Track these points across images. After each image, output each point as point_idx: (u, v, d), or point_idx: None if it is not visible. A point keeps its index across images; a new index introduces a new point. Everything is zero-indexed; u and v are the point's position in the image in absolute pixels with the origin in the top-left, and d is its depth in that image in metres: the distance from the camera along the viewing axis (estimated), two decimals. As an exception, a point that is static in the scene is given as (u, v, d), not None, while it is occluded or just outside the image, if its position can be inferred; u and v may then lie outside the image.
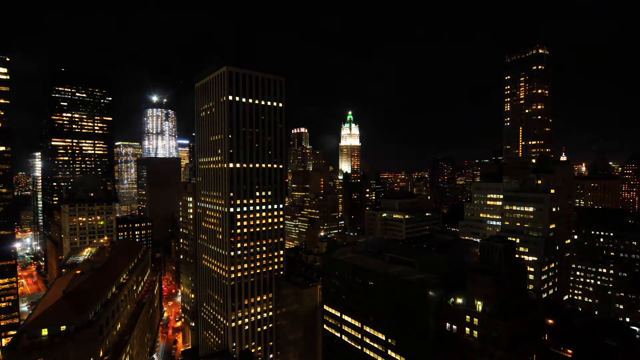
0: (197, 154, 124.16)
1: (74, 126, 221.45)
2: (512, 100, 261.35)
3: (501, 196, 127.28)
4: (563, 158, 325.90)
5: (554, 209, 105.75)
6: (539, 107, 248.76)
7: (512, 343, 52.61)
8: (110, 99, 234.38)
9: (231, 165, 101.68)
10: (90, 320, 60.75)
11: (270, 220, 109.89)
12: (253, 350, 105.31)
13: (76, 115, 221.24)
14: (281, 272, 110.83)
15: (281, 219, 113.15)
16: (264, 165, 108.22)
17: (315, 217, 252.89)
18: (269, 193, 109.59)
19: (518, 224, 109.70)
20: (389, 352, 68.08)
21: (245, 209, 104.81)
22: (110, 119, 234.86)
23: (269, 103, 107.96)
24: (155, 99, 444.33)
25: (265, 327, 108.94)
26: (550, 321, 70.10)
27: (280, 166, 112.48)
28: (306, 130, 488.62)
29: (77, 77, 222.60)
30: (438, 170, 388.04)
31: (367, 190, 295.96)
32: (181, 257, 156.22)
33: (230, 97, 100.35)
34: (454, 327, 58.99)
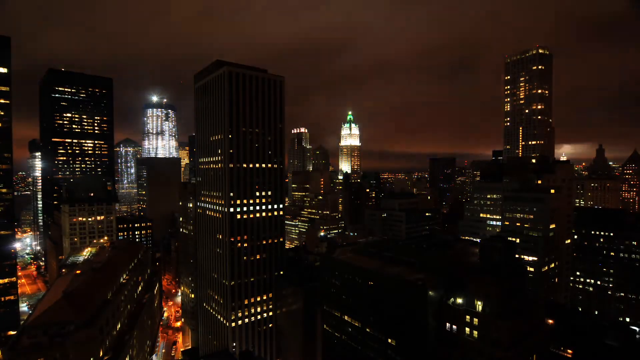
0: (197, 154, 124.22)
1: (74, 126, 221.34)
2: (512, 100, 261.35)
3: (501, 196, 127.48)
4: (563, 158, 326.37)
5: (553, 209, 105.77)
6: (539, 107, 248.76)
7: (512, 343, 52.59)
8: (110, 99, 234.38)
9: (231, 165, 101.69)
10: (90, 320, 60.72)
11: (270, 220, 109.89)
12: (252, 350, 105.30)
13: (76, 115, 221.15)
14: (281, 272, 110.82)
15: (281, 219, 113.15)
16: (264, 165, 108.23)
17: (315, 217, 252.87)
18: (269, 193, 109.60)
19: (518, 224, 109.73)
20: (389, 352, 68.08)
21: (245, 209, 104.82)
22: (111, 119, 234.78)
23: (268, 103, 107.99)
24: (155, 99, 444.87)
25: (265, 327, 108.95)
26: (550, 321, 70.09)
27: (281, 166, 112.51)
28: (306, 130, 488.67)
29: (77, 78, 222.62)
30: (438, 170, 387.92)
31: (367, 190, 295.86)
32: (181, 257, 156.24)
33: (231, 97, 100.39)
34: (454, 327, 58.98)
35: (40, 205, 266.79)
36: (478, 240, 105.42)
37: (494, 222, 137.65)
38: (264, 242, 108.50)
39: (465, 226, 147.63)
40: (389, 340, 68.08)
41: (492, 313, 54.36)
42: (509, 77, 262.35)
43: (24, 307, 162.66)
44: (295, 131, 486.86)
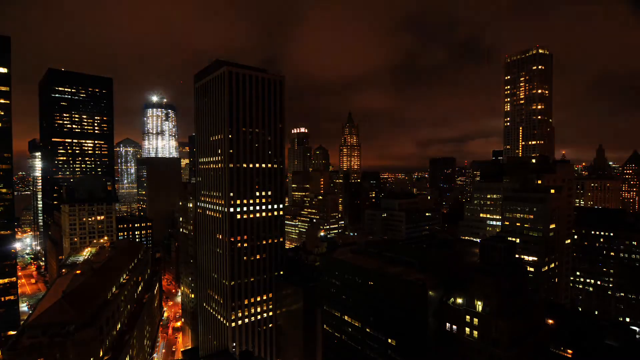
0: (197, 154, 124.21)
1: (74, 126, 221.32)
2: (512, 100, 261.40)
3: (501, 196, 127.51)
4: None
5: (554, 209, 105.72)
6: (539, 107, 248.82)
7: (512, 343, 52.59)
8: (110, 99, 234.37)
9: (231, 165, 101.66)
10: (90, 320, 60.74)
11: (270, 220, 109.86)
12: (252, 350, 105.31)
13: (76, 115, 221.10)
14: (281, 272, 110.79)
15: (281, 219, 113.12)
16: (264, 165, 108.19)
17: (315, 217, 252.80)
18: (269, 193, 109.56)
19: (518, 224, 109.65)
20: (389, 352, 68.08)
21: (245, 208, 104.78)
22: (111, 119, 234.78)
23: (268, 103, 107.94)
24: (155, 99, 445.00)
25: (265, 327, 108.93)
26: (550, 321, 70.06)
27: (281, 166, 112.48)
28: (306, 130, 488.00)
29: (77, 78, 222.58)
30: (438, 171, 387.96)
31: (367, 190, 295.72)
32: (181, 257, 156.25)
33: (230, 97, 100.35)
34: (454, 327, 59.02)
35: (40, 205, 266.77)
36: (478, 240, 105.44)
37: (494, 222, 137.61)
38: (264, 242, 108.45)
39: (465, 226, 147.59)
40: (389, 340, 68.10)
41: (492, 313, 54.38)
42: (509, 77, 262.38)
43: (24, 307, 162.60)
44: (295, 131, 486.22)
